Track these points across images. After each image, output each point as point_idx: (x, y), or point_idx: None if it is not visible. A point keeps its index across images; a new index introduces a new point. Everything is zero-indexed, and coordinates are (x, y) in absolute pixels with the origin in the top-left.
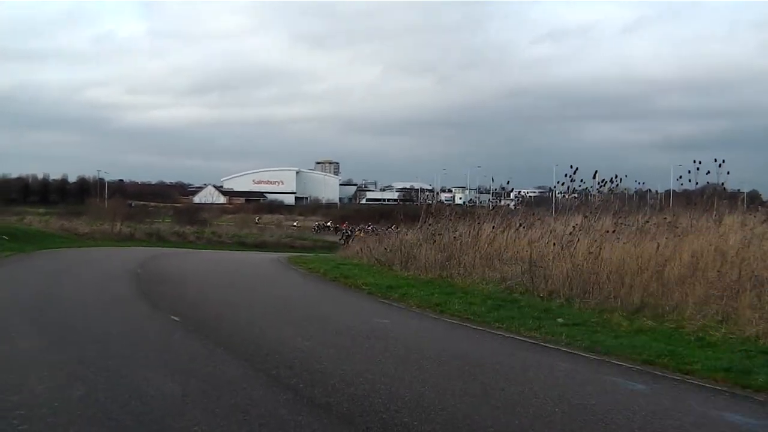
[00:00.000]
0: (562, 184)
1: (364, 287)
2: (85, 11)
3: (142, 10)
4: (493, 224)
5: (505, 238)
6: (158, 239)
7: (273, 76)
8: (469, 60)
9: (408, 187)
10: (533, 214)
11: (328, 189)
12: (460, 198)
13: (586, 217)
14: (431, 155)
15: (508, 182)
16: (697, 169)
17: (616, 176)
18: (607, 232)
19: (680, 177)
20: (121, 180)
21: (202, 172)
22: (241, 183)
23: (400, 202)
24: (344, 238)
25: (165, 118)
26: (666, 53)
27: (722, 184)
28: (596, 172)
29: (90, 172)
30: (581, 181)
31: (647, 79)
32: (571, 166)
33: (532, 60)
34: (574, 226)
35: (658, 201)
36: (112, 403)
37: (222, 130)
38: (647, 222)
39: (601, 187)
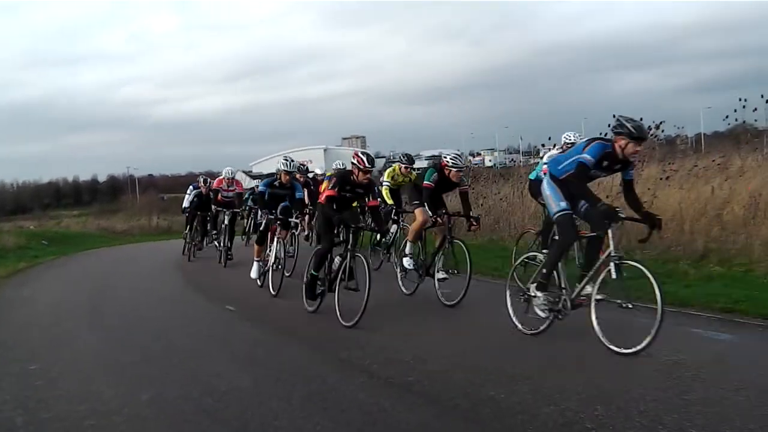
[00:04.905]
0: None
1: None
2: (120, 13)
3: (175, 7)
4: None
5: None
6: None
7: (304, 58)
8: (497, 22)
9: (437, 154)
10: None
11: None
12: (490, 160)
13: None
14: (459, 121)
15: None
16: (743, 107)
17: (661, 122)
18: (661, 179)
19: (726, 116)
20: (151, 174)
21: (231, 158)
22: (269, 166)
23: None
24: None
25: (197, 109)
26: None
27: (755, 121)
28: (640, 118)
29: (119, 170)
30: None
31: (676, 24)
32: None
33: (561, 16)
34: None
35: (689, 145)
36: (185, 403)
37: (253, 116)
38: (695, 166)
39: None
